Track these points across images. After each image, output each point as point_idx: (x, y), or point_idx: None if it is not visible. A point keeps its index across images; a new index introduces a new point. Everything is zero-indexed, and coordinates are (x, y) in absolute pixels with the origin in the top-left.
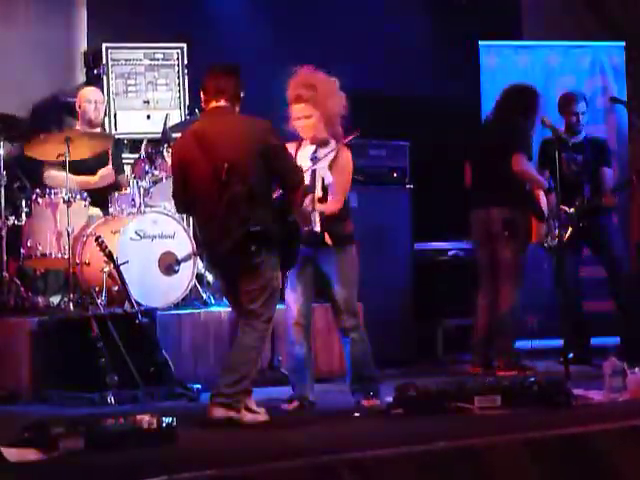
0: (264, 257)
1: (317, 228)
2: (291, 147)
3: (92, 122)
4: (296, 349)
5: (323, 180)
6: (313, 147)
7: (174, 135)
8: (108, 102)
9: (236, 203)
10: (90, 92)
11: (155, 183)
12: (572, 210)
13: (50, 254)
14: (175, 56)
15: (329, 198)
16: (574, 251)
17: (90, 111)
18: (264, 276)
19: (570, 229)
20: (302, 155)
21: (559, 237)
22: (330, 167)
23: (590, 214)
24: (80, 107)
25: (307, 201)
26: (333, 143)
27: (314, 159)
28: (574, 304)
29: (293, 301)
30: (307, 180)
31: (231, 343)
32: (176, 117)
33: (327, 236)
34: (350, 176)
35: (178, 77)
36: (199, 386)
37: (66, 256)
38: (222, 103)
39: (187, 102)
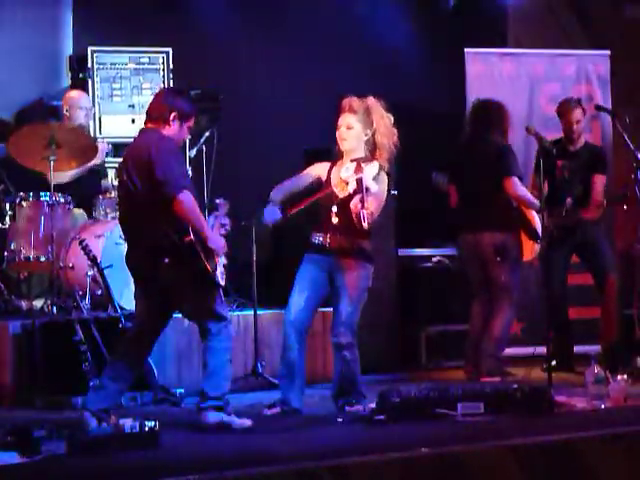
0: (170, 262)
1: (366, 225)
2: (321, 167)
3: (84, 126)
4: (288, 354)
5: (368, 189)
6: (353, 165)
7: None
8: (93, 106)
9: (129, 215)
10: (81, 99)
11: None
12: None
13: (34, 257)
14: (160, 60)
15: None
16: (562, 257)
17: (81, 117)
18: (180, 274)
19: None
20: (337, 171)
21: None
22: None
23: (574, 224)
24: (68, 112)
25: (356, 198)
26: (376, 162)
27: (359, 170)
28: (559, 309)
29: (295, 305)
30: (352, 187)
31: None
32: None
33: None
34: (384, 200)
35: (163, 81)
36: (182, 391)
37: (50, 259)
38: (147, 125)
39: None
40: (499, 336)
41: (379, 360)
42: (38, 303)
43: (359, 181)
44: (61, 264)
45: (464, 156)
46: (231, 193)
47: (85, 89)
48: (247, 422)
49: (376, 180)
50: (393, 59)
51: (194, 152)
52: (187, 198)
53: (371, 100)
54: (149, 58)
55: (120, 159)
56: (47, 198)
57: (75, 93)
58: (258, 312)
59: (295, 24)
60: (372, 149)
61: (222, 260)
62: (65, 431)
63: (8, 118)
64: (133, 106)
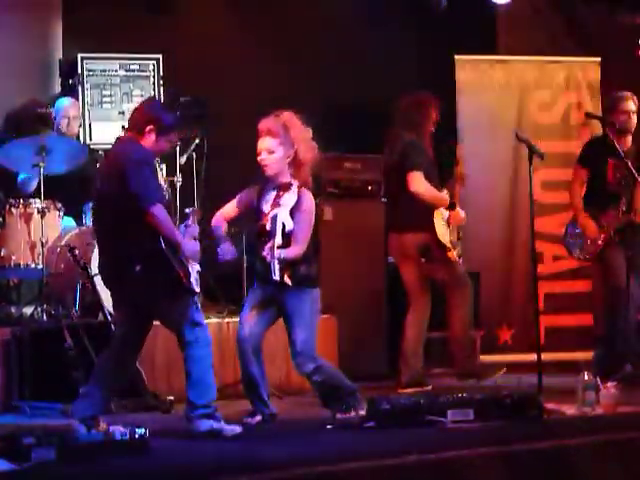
0: (141, 270)
1: (276, 277)
2: (252, 191)
3: (65, 134)
4: (248, 369)
5: (284, 226)
6: (273, 195)
7: None
8: (83, 113)
9: (101, 223)
10: (66, 108)
11: None
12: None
13: (24, 264)
14: (151, 67)
15: (292, 243)
16: (622, 259)
17: (64, 126)
18: (151, 283)
19: (602, 240)
20: (265, 200)
21: (589, 249)
22: (291, 212)
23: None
24: (55, 118)
25: (266, 249)
26: (295, 187)
27: (276, 204)
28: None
29: (245, 321)
30: (268, 226)
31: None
32: None
33: (287, 278)
34: (312, 221)
35: (153, 88)
36: (172, 398)
37: (40, 266)
38: (126, 133)
39: None
40: (462, 335)
41: (369, 367)
42: (28, 310)
43: (273, 221)
44: (51, 271)
45: (386, 152)
46: (220, 199)
47: (75, 96)
48: (237, 429)
49: (296, 211)
50: (382, 67)
51: (184, 159)
52: (159, 211)
53: (287, 115)
54: (139, 65)
55: None
56: (38, 205)
57: (63, 101)
58: None
59: (290, 33)
60: (297, 167)
61: (196, 267)
62: (55, 438)
63: None
64: (123, 113)
